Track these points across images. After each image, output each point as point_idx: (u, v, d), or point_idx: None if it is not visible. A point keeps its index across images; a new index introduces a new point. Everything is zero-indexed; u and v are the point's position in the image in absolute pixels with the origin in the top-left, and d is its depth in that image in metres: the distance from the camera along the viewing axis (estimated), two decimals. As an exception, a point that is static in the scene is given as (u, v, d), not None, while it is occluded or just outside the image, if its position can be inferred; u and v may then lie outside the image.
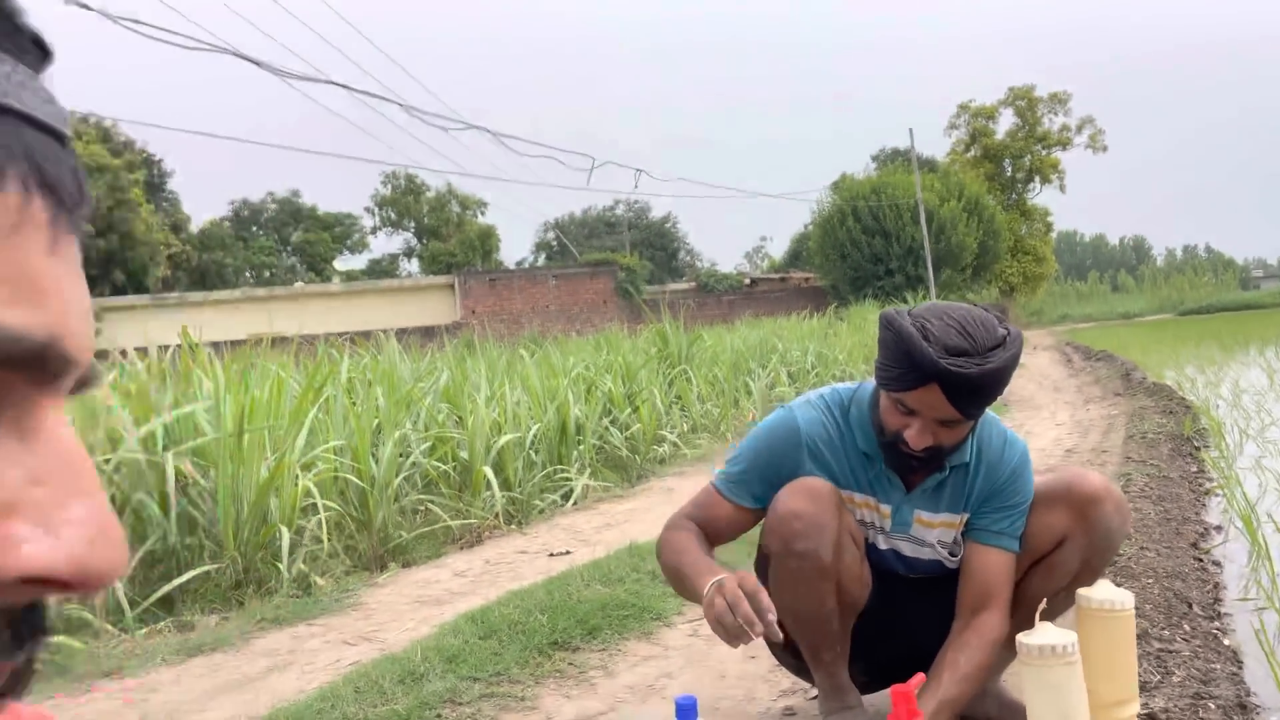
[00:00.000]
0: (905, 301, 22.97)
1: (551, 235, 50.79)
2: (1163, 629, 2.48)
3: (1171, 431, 6.36)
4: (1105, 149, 44.01)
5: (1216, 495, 4.52)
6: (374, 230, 47.61)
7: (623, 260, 28.28)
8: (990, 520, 1.85)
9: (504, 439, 5.57)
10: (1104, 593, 1.68)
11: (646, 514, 4.99)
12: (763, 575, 1.93)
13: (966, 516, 1.87)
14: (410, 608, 3.44)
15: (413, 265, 45.92)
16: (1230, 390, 9.21)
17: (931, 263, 28.59)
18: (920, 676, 1.48)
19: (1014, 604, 1.84)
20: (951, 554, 1.89)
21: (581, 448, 6.32)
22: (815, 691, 2.23)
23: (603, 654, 2.63)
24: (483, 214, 45.11)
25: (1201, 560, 3.33)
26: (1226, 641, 2.50)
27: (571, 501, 5.56)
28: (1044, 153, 42.96)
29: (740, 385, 9.99)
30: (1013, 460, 1.87)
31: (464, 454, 5.38)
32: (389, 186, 45.60)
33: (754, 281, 31.77)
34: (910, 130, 36.07)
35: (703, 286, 29.12)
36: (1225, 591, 3.00)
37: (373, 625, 3.24)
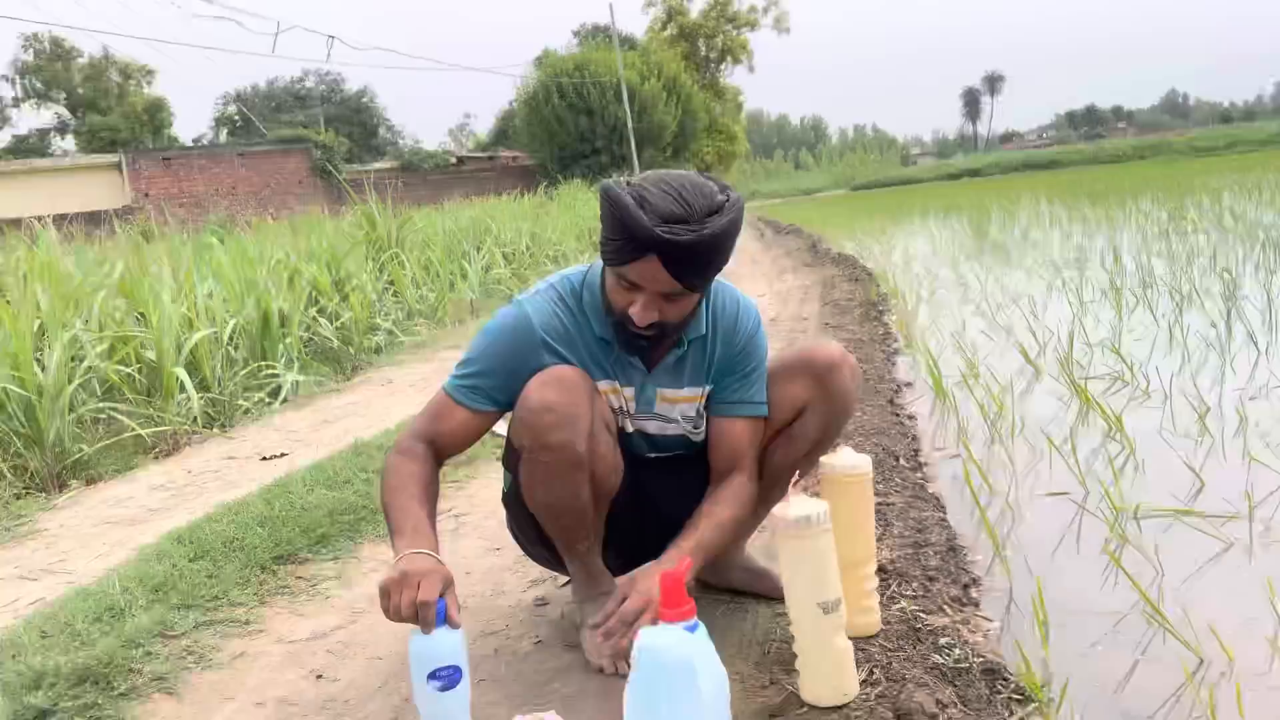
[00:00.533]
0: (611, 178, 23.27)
1: (233, 109, 46.39)
2: (877, 484, 2.65)
3: (860, 298, 6.89)
4: (789, 30, 46.35)
5: (903, 355, 4.94)
6: (16, 102, 41.31)
7: (318, 137, 26.42)
8: (731, 391, 1.85)
9: (197, 335, 5.05)
10: (845, 459, 1.73)
11: (367, 408, 4.74)
12: (513, 470, 1.83)
13: (709, 389, 1.86)
14: (100, 531, 3.05)
15: (68, 143, 40.47)
16: (902, 257, 10.16)
17: (635, 142, 29.07)
18: (689, 562, 1.46)
19: (759, 474, 1.86)
20: (695, 427, 1.88)
21: (288, 341, 5.87)
22: (564, 580, 2.19)
23: (336, 564, 2.44)
24: (149, 84, 40.32)
25: (898, 416, 3.62)
26: (931, 490, 2.73)
27: (281, 399, 5.18)
28: (735, 33, 44.51)
29: (456, 269, 9.71)
30: (748, 325, 1.87)
31: (150, 354, 4.82)
32: (31, 51, 39.51)
33: (461, 160, 30.84)
34: (610, 5, 35.97)
35: (407, 166, 27.85)
36: (921, 443, 3.28)
37: (55, 555, 2.84)
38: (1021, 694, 1.62)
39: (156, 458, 4.13)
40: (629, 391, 1.82)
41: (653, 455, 1.91)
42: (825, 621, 1.53)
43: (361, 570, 2.40)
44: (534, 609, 2.08)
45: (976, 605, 1.98)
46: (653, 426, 1.87)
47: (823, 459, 1.75)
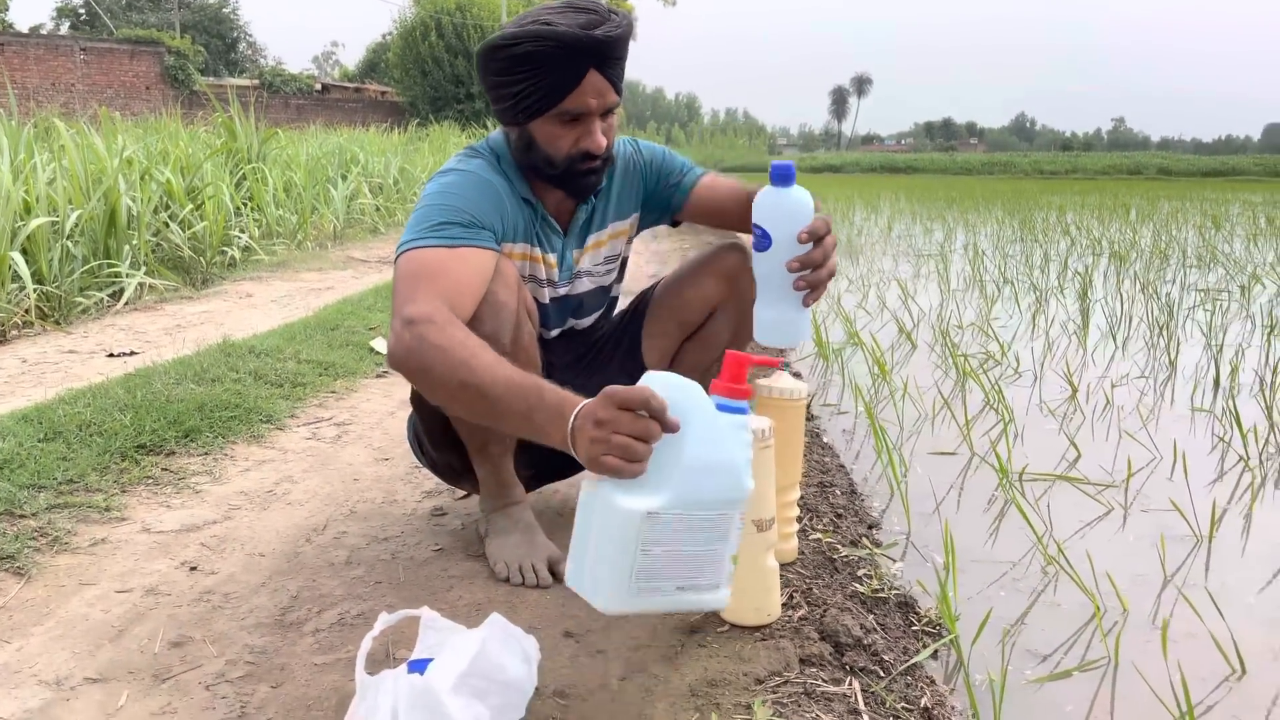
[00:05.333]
0: (486, 128, 22.72)
1: (79, 1, 42.78)
2: (776, 428, 2.64)
3: (738, 265, 6.94)
4: (675, 4, 46.43)
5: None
6: None
7: (171, 42, 24.65)
8: (674, 181, 1.81)
9: (35, 222, 4.59)
10: (785, 382, 1.69)
11: (226, 317, 4.43)
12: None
13: (638, 214, 1.83)
14: (-82, 413, 2.71)
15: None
16: (774, 236, 10.32)
17: (512, 92, 28.45)
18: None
19: None
20: (609, 271, 1.83)
21: (135, 243, 5.42)
22: (462, 493, 2.09)
23: (205, 459, 2.24)
24: (-18, -39, 36.70)
25: (787, 367, 3.64)
26: (826, 440, 2.75)
27: (124, 301, 4.78)
28: (621, -2, 44.18)
29: (320, 194, 9.23)
30: (654, 147, 1.85)
31: (-20, 236, 4.35)
32: None
33: (326, 88, 29.42)
34: (499, -50, 34.99)
35: (268, 85, 26.33)
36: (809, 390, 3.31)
37: None
38: (933, 627, 1.63)
39: (-19, 346, 3.73)
40: (551, 257, 1.73)
41: (572, 327, 1.84)
42: (758, 540, 1.49)
43: (237, 467, 2.21)
44: (431, 519, 1.96)
45: (879, 545, 1.99)
46: (569, 289, 1.79)
47: (762, 381, 1.70)
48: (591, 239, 1.77)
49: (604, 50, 1.50)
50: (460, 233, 1.52)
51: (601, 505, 1.17)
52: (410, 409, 1.85)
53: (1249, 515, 2.23)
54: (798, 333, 1.45)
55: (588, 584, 1.20)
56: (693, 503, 1.18)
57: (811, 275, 1.41)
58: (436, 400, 1.41)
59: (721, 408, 1.22)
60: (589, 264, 1.78)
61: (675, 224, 1.88)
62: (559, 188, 1.67)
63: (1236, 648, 1.56)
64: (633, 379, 1.24)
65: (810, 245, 1.41)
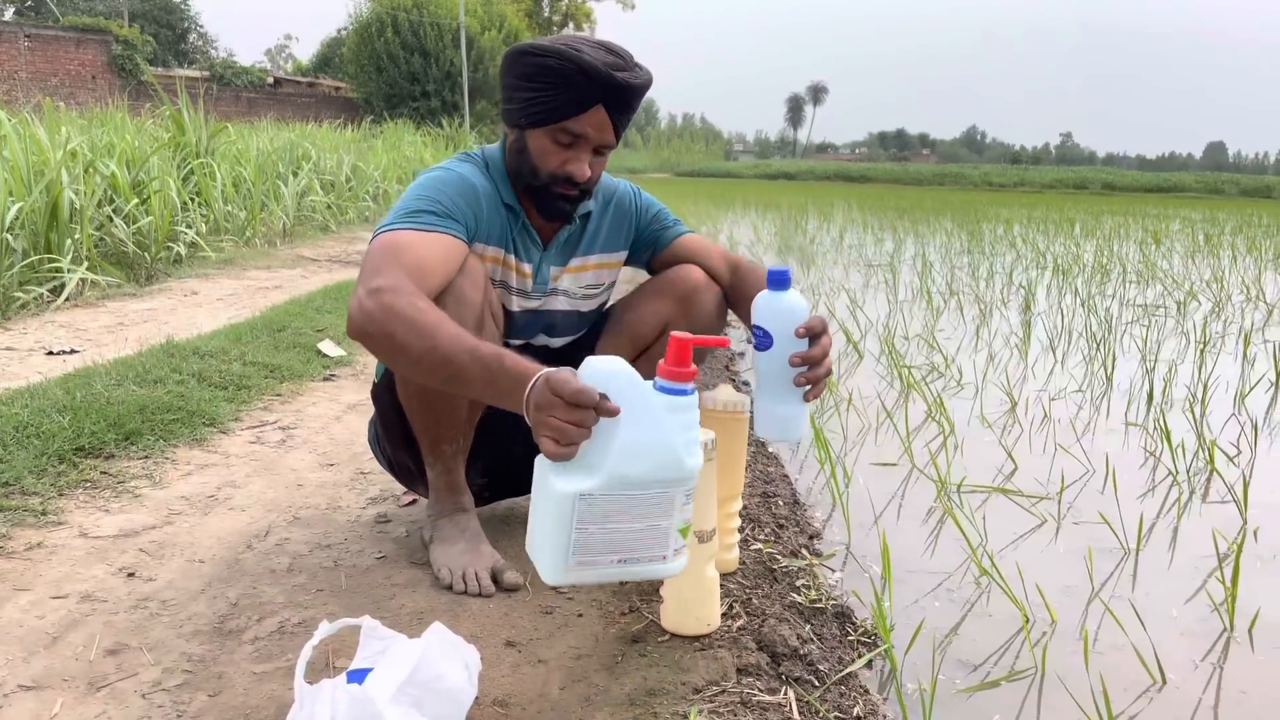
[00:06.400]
0: (441, 127, 22.61)
1: (22, -14, 41.66)
2: (722, 437, 2.67)
3: (690, 272, 6.98)
4: (634, 7, 46.60)
5: (733, 329, 5.04)
6: None
7: (119, 30, 24.13)
8: (660, 231, 1.89)
9: (-26, 215, 4.49)
10: (725, 396, 1.72)
11: (170, 315, 4.36)
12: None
13: (626, 253, 1.90)
14: None
15: None
16: (727, 240, 10.41)
17: (469, 91, 28.31)
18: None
19: None
20: (588, 296, 1.87)
21: (77, 237, 5.32)
22: (407, 500, 2.09)
23: (145, 462, 2.21)
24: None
25: (734, 381, 3.68)
26: (772, 450, 2.78)
27: (65, 297, 4.69)
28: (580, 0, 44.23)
29: (270, 190, 9.11)
30: (642, 196, 1.92)
31: (-83, 228, 4.25)
32: None
33: (279, 82, 29.00)
34: (457, -52, 34.82)
35: (218, 77, 25.88)
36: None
37: None
38: (868, 637, 1.66)
39: (-85, 341, 3.64)
40: (527, 267, 1.77)
41: (544, 345, 1.86)
42: (699, 550, 1.51)
43: (178, 471, 2.18)
44: (375, 525, 1.96)
45: (819, 555, 2.03)
46: (542, 304, 1.82)
47: (706, 394, 1.73)
48: (576, 261, 1.82)
49: (617, 92, 1.59)
50: (434, 220, 1.58)
51: (540, 483, 1.25)
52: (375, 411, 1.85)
53: (1175, 528, 2.31)
54: (798, 427, 1.50)
55: (535, 555, 1.27)
56: (627, 483, 1.22)
57: (811, 372, 1.45)
58: (398, 366, 1.46)
59: (662, 389, 1.24)
60: (569, 284, 1.82)
61: (653, 271, 1.93)
62: (531, 200, 1.71)
63: (1157, 658, 1.61)
64: None
65: (807, 341, 1.46)
